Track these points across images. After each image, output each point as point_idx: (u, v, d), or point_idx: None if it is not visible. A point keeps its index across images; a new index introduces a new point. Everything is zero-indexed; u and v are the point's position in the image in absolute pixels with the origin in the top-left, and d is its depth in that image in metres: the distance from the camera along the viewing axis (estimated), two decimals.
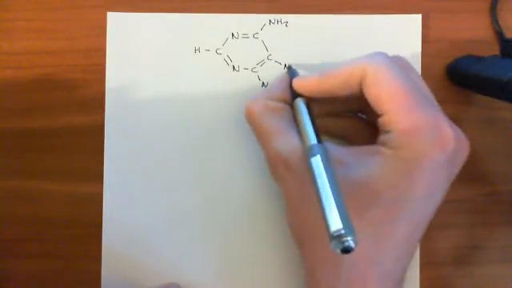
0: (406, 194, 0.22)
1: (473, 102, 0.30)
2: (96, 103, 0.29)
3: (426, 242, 0.29)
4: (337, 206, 0.19)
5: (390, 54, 0.29)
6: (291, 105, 0.26)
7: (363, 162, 0.23)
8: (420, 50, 0.29)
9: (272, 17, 0.29)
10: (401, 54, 0.29)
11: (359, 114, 0.28)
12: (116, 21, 0.29)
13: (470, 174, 0.30)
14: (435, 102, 0.24)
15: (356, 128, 0.28)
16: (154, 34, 0.29)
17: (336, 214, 0.19)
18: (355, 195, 0.22)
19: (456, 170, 0.23)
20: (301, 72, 0.28)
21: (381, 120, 0.23)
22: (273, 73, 0.29)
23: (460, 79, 0.29)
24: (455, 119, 0.29)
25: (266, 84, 0.29)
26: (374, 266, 0.22)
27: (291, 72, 0.28)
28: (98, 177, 0.29)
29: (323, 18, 0.29)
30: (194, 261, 0.29)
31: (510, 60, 0.27)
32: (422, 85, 0.25)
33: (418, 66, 0.29)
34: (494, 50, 0.30)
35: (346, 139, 0.28)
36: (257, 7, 0.29)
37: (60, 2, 0.29)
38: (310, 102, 0.26)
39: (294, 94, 0.26)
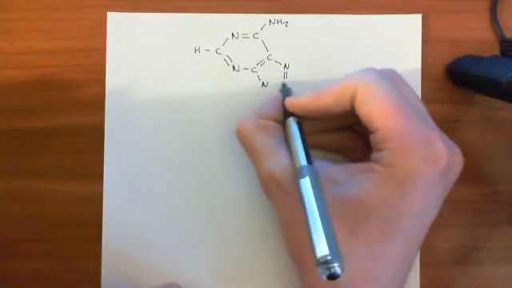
0: (399, 211, 0.22)
1: (473, 102, 0.30)
2: (96, 103, 0.29)
3: (426, 242, 0.29)
4: (324, 230, 0.19)
5: (390, 54, 0.29)
6: (283, 124, 0.26)
7: (356, 179, 0.23)
8: (420, 50, 0.29)
9: (272, 17, 0.29)
10: (401, 54, 0.29)
11: (353, 126, 0.28)
12: (116, 21, 0.29)
13: (470, 174, 0.30)
14: (428, 118, 0.24)
15: (350, 141, 0.28)
16: (154, 34, 0.29)
17: (323, 240, 0.19)
18: (349, 213, 0.22)
19: (450, 184, 0.23)
20: (296, 90, 0.28)
21: (373, 137, 0.23)
22: (273, 73, 0.29)
23: (460, 79, 0.29)
24: (455, 119, 0.30)
25: (265, 84, 0.29)
26: (371, 284, 0.22)
27: (285, 91, 0.28)
28: (98, 177, 0.29)
29: (323, 18, 0.29)
30: (194, 261, 0.29)
31: (509, 60, 0.27)
32: (415, 100, 0.24)
33: (418, 66, 0.29)
34: (494, 50, 0.30)
35: (340, 152, 0.28)
36: (257, 7, 0.29)
37: (60, 2, 0.29)
38: (303, 120, 0.26)
39: (287, 113, 0.26)
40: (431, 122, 0.24)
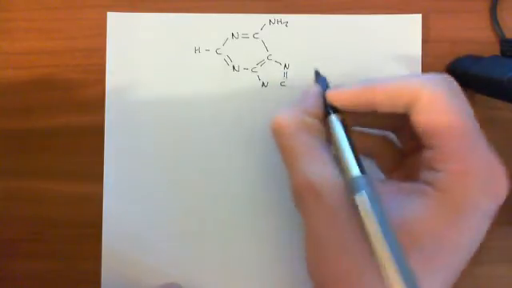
0: (449, 241, 0.20)
1: (473, 102, 0.29)
2: (96, 103, 0.29)
3: None
4: (396, 259, 0.17)
5: (390, 54, 0.29)
6: (323, 121, 0.23)
7: (404, 201, 0.20)
8: (420, 50, 0.29)
9: (272, 17, 0.29)
10: (401, 54, 0.29)
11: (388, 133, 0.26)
12: (116, 21, 0.29)
13: None
14: (485, 138, 0.21)
15: (384, 148, 0.25)
16: (154, 34, 0.29)
17: (397, 272, 0.17)
18: None
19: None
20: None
21: (428, 154, 0.20)
22: (273, 73, 0.29)
23: (460, 79, 0.29)
24: None
25: (265, 84, 0.29)
26: None
27: (321, 81, 0.24)
28: (98, 177, 0.29)
29: (323, 18, 0.29)
30: (194, 260, 0.29)
31: (509, 60, 0.27)
32: (474, 116, 0.21)
33: (418, 66, 0.29)
34: (494, 50, 0.30)
35: (372, 157, 0.26)
36: (257, 7, 0.29)
37: (60, 2, 0.29)
38: (345, 116, 0.23)
39: (328, 109, 0.23)
40: (489, 144, 0.21)
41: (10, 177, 0.29)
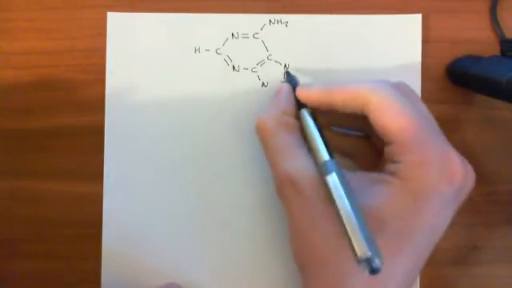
0: (412, 225, 0.22)
1: (473, 102, 0.30)
2: (96, 103, 0.29)
3: None
4: (360, 228, 0.20)
5: (390, 54, 0.29)
6: (297, 116, 0.26)
7: (370, 190, 0.23)
8: (420, 50, 0.29)
9: (272, 17, 0.29)
10: (401, 54, 0.29)
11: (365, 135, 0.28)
12: (116, 21, 0.29)
13: None
14: (441, 132, 0.24)
15: (362, 148, 0.27)
16: (154, 34, 0.29)
17: (361, 238, 0.19)
18: None
19: (461, 201, 0.23)
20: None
21: (388, 149, 0.23)
22: (273, 73, 0.29)
23: (460, 79, 0.29)
24: (455, 119, 0.30)
25: (265, 84, 0.29)
26: None
27: (290, 80, 0.28)
28: (98, 177, 0.29)
29: (323, 18, 0.29)
30: (194, 261, 0.29)
31: (509, 60, 0.27)
32: (428, 114, 0.24)
33: (418, 66, 0.29)
34: (494, 50, 0.30)
35: (351, 157, 0.28)
36: (257, 7, 0.29)
37: (60, 2, 0.29)
38: (317, 112, 0.25)
39: (300, 105, 0.26)
40: (444, 137, 0.24)
41: (10, 177, 0.29)
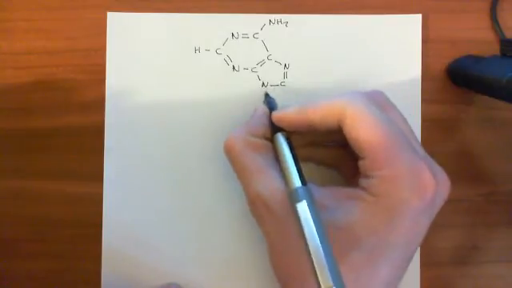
0: (386, 240, 0.22)
1: (473, 102, 0.30)
2: (96, 103, 0.29)
3: (426, 241, 0.29)
4: (326, 260, 0.20)
5: (390, 54, 0.29)
6: (271, 140, 0.25)
7: (344, 206, 0.23)
8: (420, 50, 0.29)
9: (272, 17, 0.29)
10: (401, 54, 0.29)
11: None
12: (116, 21, 0.29)
13: (470, 174, 0.30)
14: (416, 143, 0.24)
15: (341, 157, 0.27)
16: (154, 34, 0.29)
17: (326, 270, 0.20)
18: (336, 239, 0.22)
19: (436, 210, 0.23)
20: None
21: (361, 163, 0.23)
22: (273, 73, 0.29)
23: (460, 79, 0.29)
24: (455, 119, 0.30)
25: (265, 84, 0.29)
26: None
27: (268, 101, 0.27)
28: (98, 177, 0.29)
29: (323, 18, 0.29)
30: (194, 261, 0.29)
31: (509, 60, 0.27)
32: (403, 125, 0.24)
33: (418, 66, 0.29)
34: (494, 50, 0.30)
35: (332, 167, 0.28)
36: (257, 7, 0.29)
37: (60, 2, 0.29)
38: (292, 133, 0.25)
39: (274, 128, 0.25)
40: (419, 147, 0.24)
41: (10, 177, 0.29)
